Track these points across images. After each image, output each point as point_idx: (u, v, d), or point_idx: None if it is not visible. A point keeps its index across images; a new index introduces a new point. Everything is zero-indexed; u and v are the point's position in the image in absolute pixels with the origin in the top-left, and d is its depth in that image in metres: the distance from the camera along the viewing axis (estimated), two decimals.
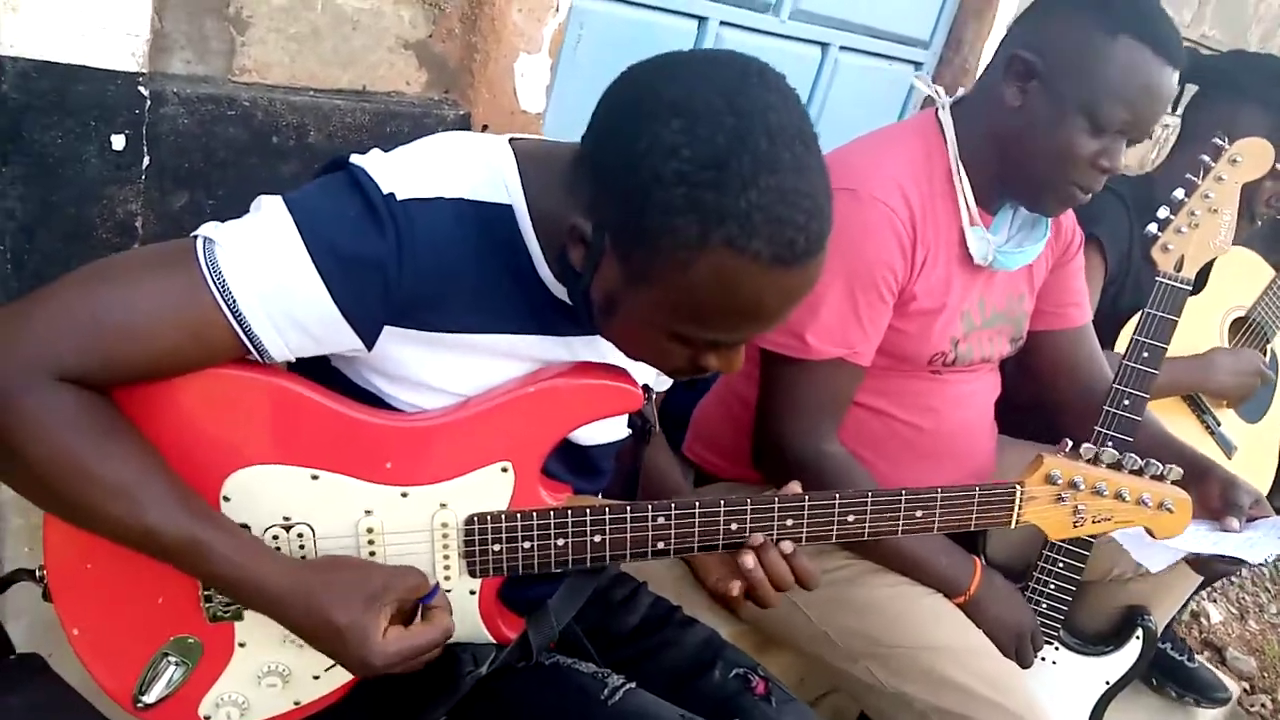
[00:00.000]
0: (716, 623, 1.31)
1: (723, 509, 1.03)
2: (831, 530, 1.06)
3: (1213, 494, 1.39)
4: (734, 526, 1.04)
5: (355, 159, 0.93)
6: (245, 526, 0.96)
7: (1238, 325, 2.13)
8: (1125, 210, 1.99)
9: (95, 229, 1.32)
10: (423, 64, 1.58)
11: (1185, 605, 2.26)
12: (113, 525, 0.88)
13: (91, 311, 0.86)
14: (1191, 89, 2.06)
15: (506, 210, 0.95)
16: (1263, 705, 2.86)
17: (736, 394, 1.66)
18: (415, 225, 0.89)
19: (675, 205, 0.81)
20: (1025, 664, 1.52)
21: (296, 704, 1.05)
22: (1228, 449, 2.03)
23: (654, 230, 0.83)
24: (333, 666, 1.03)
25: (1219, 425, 2.04)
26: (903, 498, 1.08)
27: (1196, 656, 2.30)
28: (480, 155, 0.96)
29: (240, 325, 0.88)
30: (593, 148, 0.90)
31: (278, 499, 0.97)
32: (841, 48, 2.46)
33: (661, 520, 1.03)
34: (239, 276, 0.88)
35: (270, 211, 0.90)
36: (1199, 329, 2.03)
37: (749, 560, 1.04)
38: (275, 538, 0.97)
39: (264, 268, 0.88)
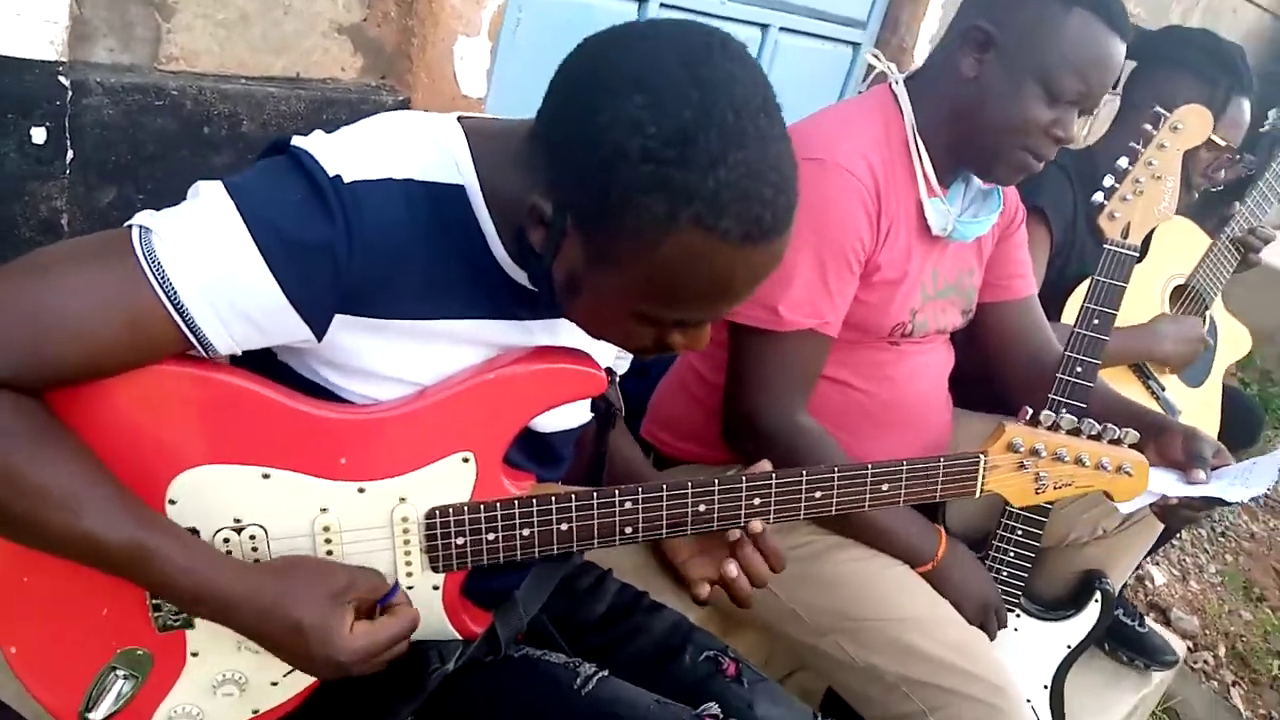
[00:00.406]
0: (683, 607, 1.29)
1: (690, 491, 1.02)
2: (799, 507, 1.05)
3: (1175, 447, 1.40)
4: (702, 508, 1.02)
5: (298, 141, 0.89)
6: (194, 531, 0.92)
7: (1178, 293, 2.18)
8: (1069, 182, 2.02)
9: (17, 227, 1.26)
10: (358, 49, 1.54)
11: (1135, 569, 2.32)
12: (51, 536, 0.83)
13: (22, 309, 0.81)
14: (1129, 64, 2.09)
15: (458, 190, 0.91)
16: (1205, 661, 2.96)
17: (696, 373, 1.65)
18: (363, 208, 0.86)
19: (641, 183, 0.78)
20: (991, 635, 1.53)
21: (255, 712, 1.02)
22: (1171, 413, 2.08)
23: (619, 209, 0.80)
24: (292, 671, 0.99)
25: (1163, 390, 2.08)
26: (869, 472, 1.08)
27: (1146, 621, 2.35)
28: (429, 134, 0.93)
29: (182, 319, 0.84)
30: (549, 124, 0.87)
31: (227, 500, 0.92)
32: (781, 28, 2.46)
33: (629, 505, 1.01)
34: (179, 267, 0.83)
35: (210, 197, 0.85)
36: (1141, 297, 2.07)
37: (732, 569, 1.04)
38: (226, 541, 0.93)
39: (206, 257, 0.84)
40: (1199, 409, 2.17)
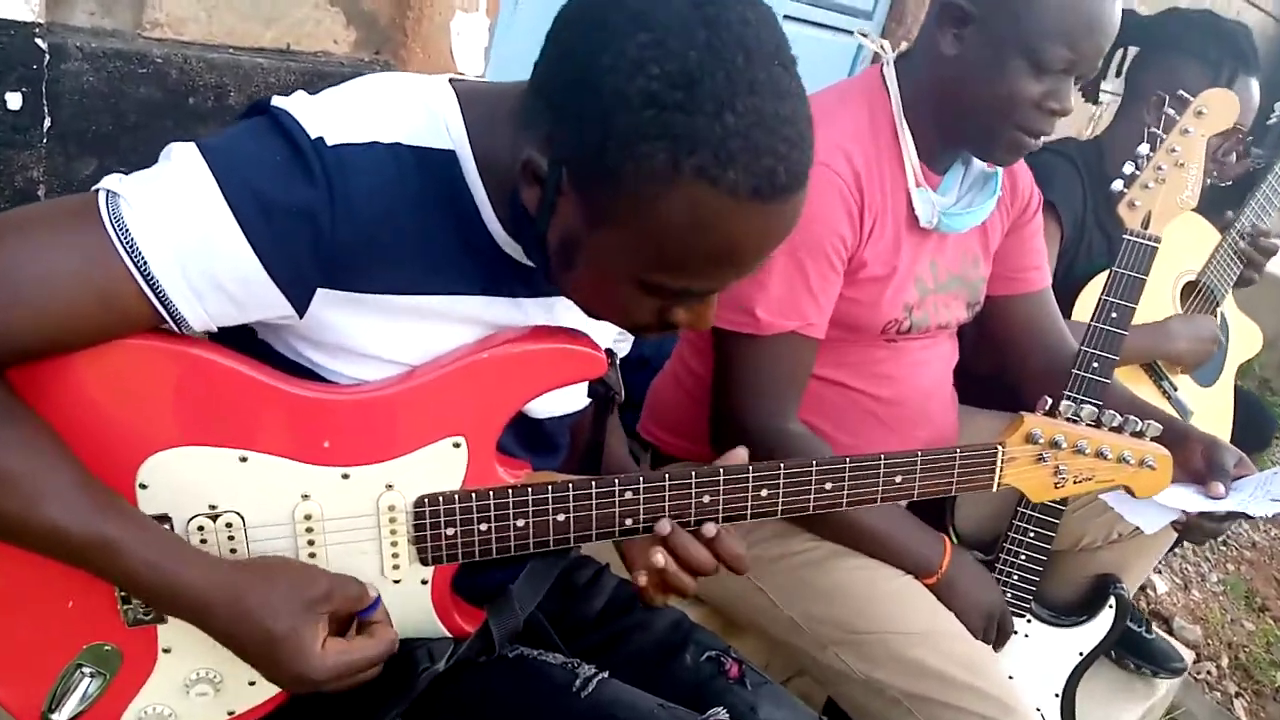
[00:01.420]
0: (682, 606, 1.24)
1: (694, 481, 0.96)
2: (809, 499, 1.00)
3: (1195, 456, 1.35)
4: (706, 499, 0.97)
5: (278, 101, 0.83)
6: (165, 517, 0.86)
7: (1188, 289, 2.13)
8: (1077, 174, 1.97)
9: None
10: (351, 21, 1.48)
11: None
12: (8, 523, 0.78)
13: None
14: (1132, 51, 2.04)
15: (449, 156, 0.86)
16: (1208, 672, 2.92)
17: (689, 369, 1.59)
18: (348, 173, 0.80)
19: (642, 130, 0.72)
20: (997, 645, 1.48)
21: (231, 713, 0.96)
22: (1184, 413, 2.03)
23: (618, 159, 0.74)
24: None
25: (1175, 390, 2.03)
26: (881, 462, 1.02)
27: (1153, 627, 2.31)
28: (418, 96, 0.87)
29: (153, 291, 0.79)
30: (547, 70, 0.81)
31: (202, 485, 0.87)
32: (785, 16, 2.42)
33: (629, 495, 0.95)
34: (149, 235, 0.78)
35: (183, 159, 0.80)
36: (1152, 293, 2.00)
37: (659, 558, 0.95)
38: (200, 528, 0.87)
39: (177, 224, 0.78)
40: (1212, 409, 2.12)
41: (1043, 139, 1.37)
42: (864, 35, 1.48)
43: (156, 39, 1.31)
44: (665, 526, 0.96)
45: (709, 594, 1.58)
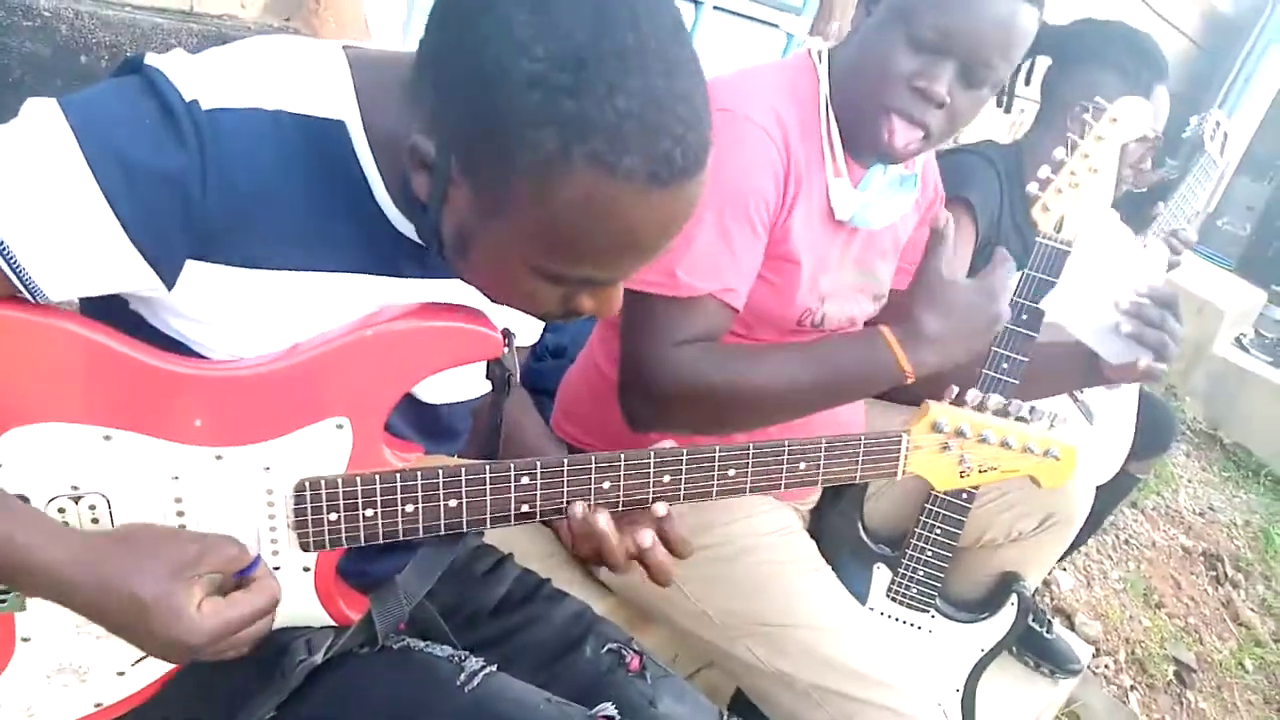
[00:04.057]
0: (590, 597, 1.21)
1: (594, 466, 0.93)
2: (712, 486, 0.98)
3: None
4: (606, 485, 0.94)
5: (151, 59, 0.77)
6: (23, 498, 0.81)
7: None
8: (996, 175, 1.98)
9: None
10: None
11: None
12: None
13: None
14: (1043, 60, 2.06)
15: (338, 127, 0.81)
16: (1106, 666, 3.00)
17: (597, 367, 1.55)
18: (223, 138, 0.75)
19: (530, 116, 0.69)
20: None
21: (98, 705, 0.90)
22: (1089, 416, 2.06)
23: (506, 147, 0.70)
24: (140, 660, 0.89)
25: (1081, 392, 2.06)
26: (786, 448, 1.00)
27: (1054, 626, 2.35)
28: (307, 61, 0.82)
29: (3, 257, 0.73)
30: (430, 43, 0.76)
31: (63, 464, 0.81)
32: (714, 7, 2.39)
33: (526, 480, 0.91)
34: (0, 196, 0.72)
35: (40, 116, 0.73)
36: None
37: (647, 538, 0.93)
38: (62, 510, 0.82)
39: (31, 185, 0.72)
40: (1115, 410, 2.16)
41: (931, 132, 1.30)
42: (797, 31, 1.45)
43: None
44: (578, 510, 0.93)
45: (618, 584, 1.56)
